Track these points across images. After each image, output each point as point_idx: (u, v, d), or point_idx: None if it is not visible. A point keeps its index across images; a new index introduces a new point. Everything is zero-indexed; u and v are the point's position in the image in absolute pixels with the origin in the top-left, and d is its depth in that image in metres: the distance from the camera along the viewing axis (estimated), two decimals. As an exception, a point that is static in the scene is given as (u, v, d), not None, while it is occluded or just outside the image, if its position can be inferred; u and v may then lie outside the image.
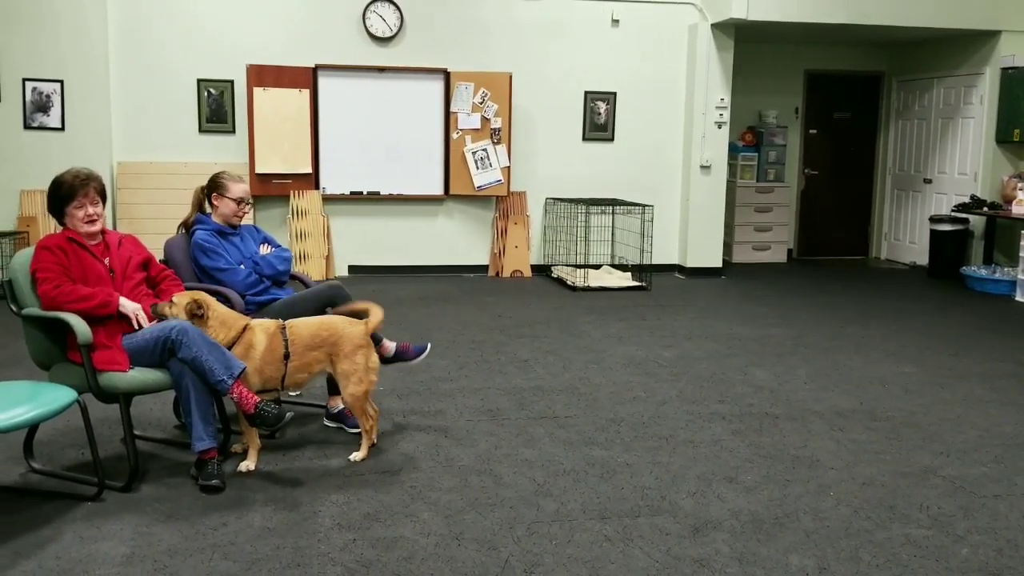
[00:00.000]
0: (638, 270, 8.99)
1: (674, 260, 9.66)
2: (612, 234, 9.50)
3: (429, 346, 4.48)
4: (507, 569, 2.94)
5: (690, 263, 9.48)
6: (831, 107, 11.10)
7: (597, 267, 9.20)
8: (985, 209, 9.06)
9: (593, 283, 8.62)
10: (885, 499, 3.55)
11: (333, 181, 8.88)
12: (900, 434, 4.36)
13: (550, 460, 3.96)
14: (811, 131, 11.08)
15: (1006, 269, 8.76)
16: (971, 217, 9.39)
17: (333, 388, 4.28)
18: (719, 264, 9.53)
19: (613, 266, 9.37)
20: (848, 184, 11.26)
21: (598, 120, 9.47)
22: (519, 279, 9.13)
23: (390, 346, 4.36)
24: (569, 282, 8.66)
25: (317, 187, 8.81)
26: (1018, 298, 8.33)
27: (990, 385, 5.34)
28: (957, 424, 4.58)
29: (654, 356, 5.91)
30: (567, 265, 9.20)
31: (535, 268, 9.35)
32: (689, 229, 9.47)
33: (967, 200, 9.34)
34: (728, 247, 10.39)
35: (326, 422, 4.40)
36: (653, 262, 9.24)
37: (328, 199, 8.87)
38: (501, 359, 5.76)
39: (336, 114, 8.81)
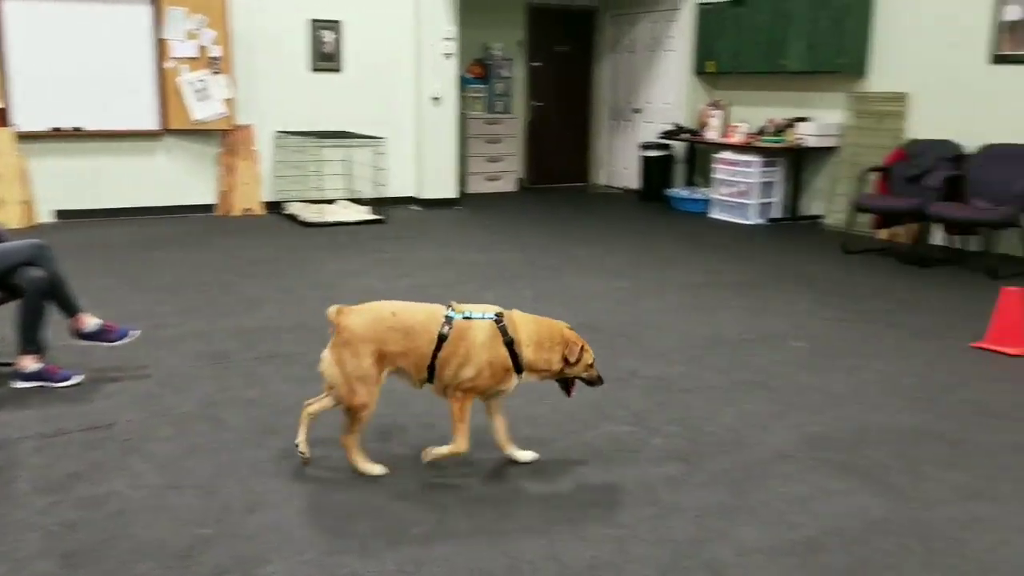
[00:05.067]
0: (375, 203, 8.96)
1: (410, 192, 9.72)
2: (347, 168, 9.36)
3: (138, 333, 4.21)
4: (227, 511, 2.90)
5: (426, 195, 9.59)
6: (552, 41, 11.55)
7: (332, 202, 9.05)
8: (685, 136, 9.92)
9: (329, 218, 8.48)
10: (596, 402, 3.87)
11: (29, 117, 7.98)
12: (613, 343, 4.75)
13: (277, 399, 3.91)
14: (535, 63, 11.48)
15: (703, 190, 9.69)
16: (674, 143, 10.24)
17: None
18: (455, 195, 9.72)
19: (351, 200, 9.27)
20: (571, 115, 11.85)
21: (325, 49, 9.21)
22: (251, 217, 8.79)
23: (88, 321, 4.05)
24: (303, 218, 8.46)
25: (6, 124, 7.87)
26: (712, 215, 9.27)
27: (690, 294, 5.94)
28: (660, 330, 5.06)
29: (390, 287, 5.96)
30: (301, 201, 8.97)
31: (268, 205, 9.03)
32: (423, 161, 9.54)
33: (671, 128, 10.16)
34: (463, 178, 10.62)
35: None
36: (390, 195, 9.24)
37: (25, 137, 7.97)
38: (230, 300, 5.55)
39: (28, 42, 7.87)
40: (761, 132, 9.14)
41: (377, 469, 3.16)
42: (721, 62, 9.60)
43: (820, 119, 8.70)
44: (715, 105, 9.76)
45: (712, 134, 9.62)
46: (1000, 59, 7.22)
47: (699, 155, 10.16)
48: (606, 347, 4.64)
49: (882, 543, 2.78)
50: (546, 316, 3.23)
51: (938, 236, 7.44)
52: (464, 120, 10.55)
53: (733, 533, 2.82)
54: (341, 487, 3.08)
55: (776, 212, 8.97)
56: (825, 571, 2.62)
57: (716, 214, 9.21)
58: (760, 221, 8.84)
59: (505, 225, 8.62)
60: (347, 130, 9.20)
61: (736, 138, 9.24)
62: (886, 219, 7.51)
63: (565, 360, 3.12)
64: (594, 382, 3.24)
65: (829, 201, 8.74)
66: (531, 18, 11.37)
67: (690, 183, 10.16)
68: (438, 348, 3.05)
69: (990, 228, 6.62)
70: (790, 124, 8.84)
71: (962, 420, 3.80)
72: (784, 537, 2.81)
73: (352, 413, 3.08)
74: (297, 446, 3.21)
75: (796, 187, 9.05)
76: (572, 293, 5.84)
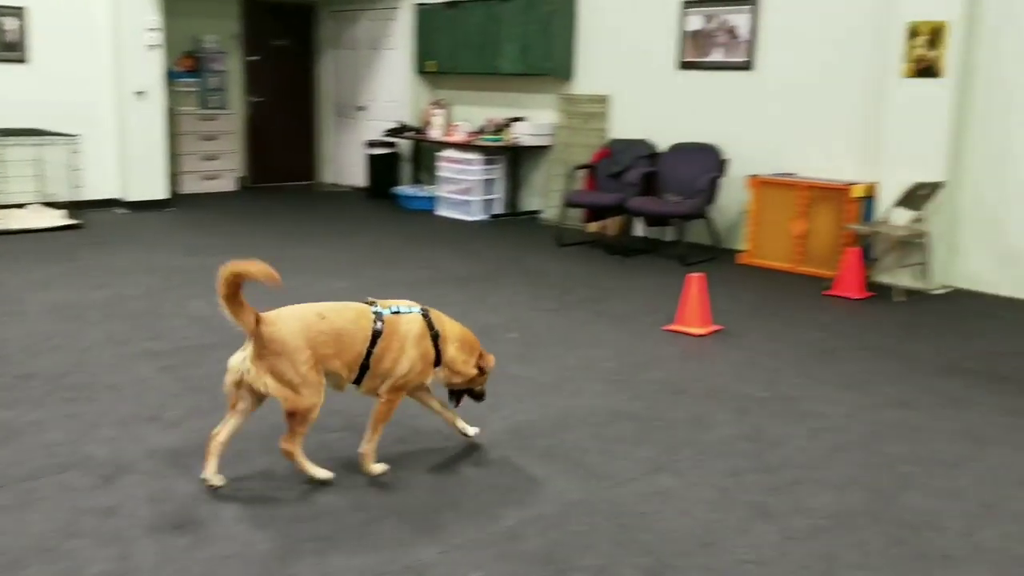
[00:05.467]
0: (72, 207, 8.15)
1: (115, 194, 8.96)
2: (38, 168, 8.43)
3: None
4: None
5: (132, 196, 8.88)
6: (270, 34, 11.15)
7: (22, 207, 8.12)
8: (410, 134, 9.99)
9: (14, 225, 7.60)
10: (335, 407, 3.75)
11: None
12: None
13: (-66, 434, 3.42)
14: (252, 58, 11.03)
15: (429, 187, 9.81)
16: (400, 141, 10.28)
17: None
18: (165, 196, 9.09)
19: (44, 204, 8.36)
20: (294, 112, 11.52)
21: (7, 38, 8.23)
22: (-84, 226, 7.67)
23: None
24: (-17, 226, 7.52)
25: None
26: (438, 212, 9.42)
27: (410, 291, 5.93)
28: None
29: (83, 299, 5.44)
30: (-19, 206, 7.97)
31: (-62, 212, 7.93)
32: (128, 160, 8.83)
33: (395, 126, 10.19)
34: (175, 178, 9.95)
35: None
36: (90, 197, 8.46)
37: None
38: None
39: None
40: (481, 131, 9.41)
41: (324, 473, 3.08)
42: (441, 62, 9.76)
43: (534, 119, 9.10)
44: (438, 104, 9.91)
45: (436, 133, 9.76)
46: (685, 65, 7.94)
47: (424, 153, 10.27)
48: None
49: (577, 524, 2.93)
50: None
51: (640, 228, 8.06)
52: (174, 116, 9.90)
53: (437, 532, 2.85)
54: (9, 536, 2.74)
55: (498, 208, 9.28)
56: (523, 558, 2.71)
57: (442, 211, 9.36)
58: (483, 217, 9.10)
59: (221, 226, 8.20)
60: (36, 127, 8.29)
61: (458, 137, 9.43)
62: (594, 213, 8.01)
63: (480, 369, 3.24)
64: (481, 396, 3.42)
65: (545, 197, 9.19)
66: (246, 10, 10.90)
67: (416, 181, 10.25)
68: (372, 344, 3.00)
69: (681, 220, 7.26)
70: (508, 124, 9.17)
71: (651, 398, 4.11)
72: (486, 529, 2.88)
73: (301, 416, 2.94)
74: (205, 480, 3.01)
75: (516, 184, 9.41)
76: (286, 296, 5.64)
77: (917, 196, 6.13)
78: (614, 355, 4.75)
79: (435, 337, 3.14)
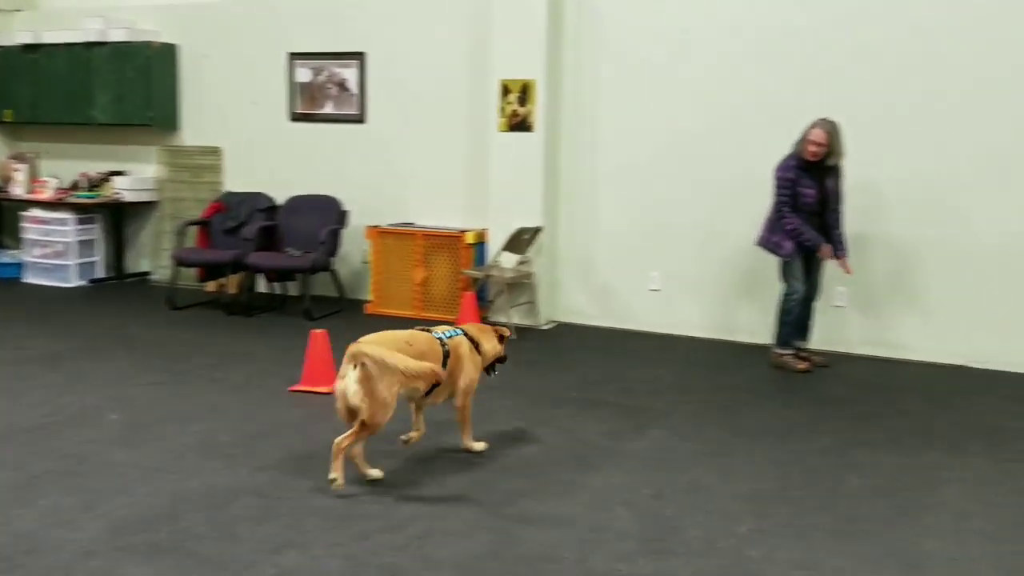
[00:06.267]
0: None
1: None
2: None
3: None
4: None
5: None
6: None
7: None
8: (-12, 192, 8.70)
9: None
10: None
11: None
12: None
13: None
14: None
15: (13, 252, 8.60)
16: (-25, 200, 8.90)
17: None
18: None
19: None
20: None
21: None
22: None
23: None
24: None
25: None
26: (27, 280, 8.27)
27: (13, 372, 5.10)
28: (-60, 429, 4.20)
29: None
30: None
31: None
32: None
33: (-35, 183, 8.80)
34: None
35: None
36: None
37: None
38: None
39: None
40: (75, 187, 8.46)
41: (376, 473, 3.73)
42: (20, 111, 8.63)
43: (137, 172, 8.39)
44: (19, 158, 8.74)
45: (18, 190, 8.59)
46: (298, 117, 7.84)
47: (6, 213, 8.98)
48: None
49: (188, 627, 2.61)
50: None
51: (262, 284, 7.75)
52: None
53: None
54: None
55: (99, 272, 8.37)
56: None
57: (31, 278, 8.23)
58: (82, 283, 8.15)
59: None
60: None
61: (46, 194, 8.38)
62: (209, 271, 7.55)
63: (501, 338, 4.21)
64: (505, 359, 4.26)
65: (155, 257, 8.49)
66: None
67: (0, 244, 8.93)
68: (444, 363, 3.81)
69: (304, 274, 7.09)
70: (105, 178, 8.35)
71: (276, 468, 3.87)
72: (76, 656, 2.45)
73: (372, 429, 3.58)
74: (334, 480, 3.55)
75: (120, 244, 8.57)
76: None
77: (521, 240, 6.59)
78: (234, 425, 4.42)
79: (476, 347, 4.03)
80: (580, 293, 7.02)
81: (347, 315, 7.03)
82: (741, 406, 4.98)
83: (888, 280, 6.08)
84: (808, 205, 5.51)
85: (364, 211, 7.41)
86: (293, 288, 7.63)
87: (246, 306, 7.13)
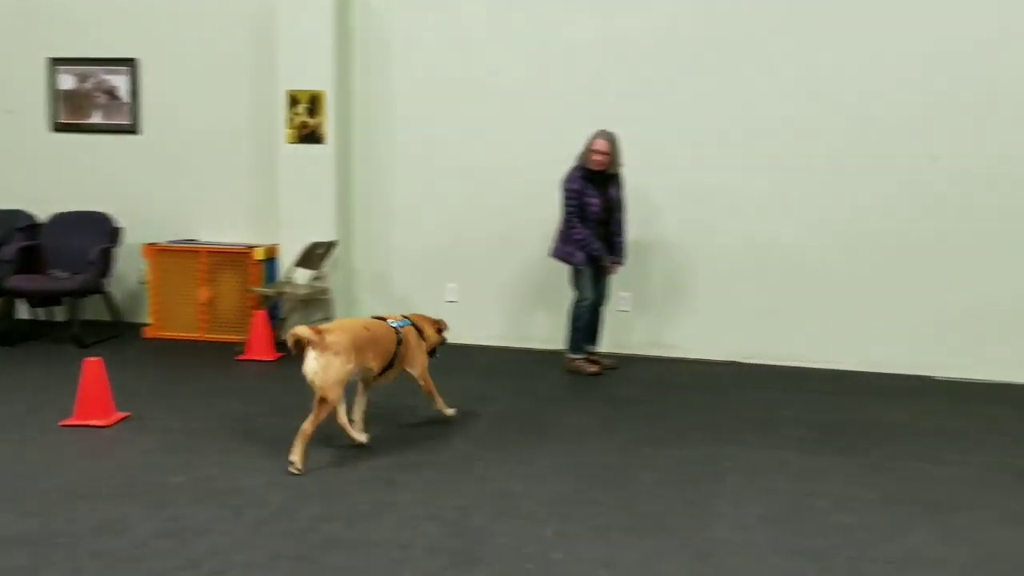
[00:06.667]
0: None
1: None
2: None
3: None
4: None
5: None
6: None
7: None
8: None
9: None
10: None
11: None
12: None
13: None
14: None
15: None
16: None
17: None
18: None
19: None
20: None
21: None
22: None
23: None
24: None
25: None
26: None
27: None
28: None
29: None
30: None
31: None
32: None
33: None
34: None
35: None
36: None
37: None
38: None
39: None
40: None
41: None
42: None
43: None
44: None
45: None
46: (61, 127, 7.21)
47: None
48: None
49: None
50: None
51: (24, 311, 7.03)
52: None
53: None
54: None
55: None
56: None
57: None
58: None
59: None
60: None
61: None
62: (-39, 298, 6.76)
63: (439, 330, 4.84)
64: (444, 342, 4.91)
65: None
66: None
67: None
68: (397, 348, 4.45)
69: (72, 297, 6.51)
70: None
71: (48, 512, 3.51)
72: None
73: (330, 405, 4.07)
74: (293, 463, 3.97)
75: None
76: None
77: (315, 255, 6.41)
78: (-4, 468, 3.98)
79: (421, 333, 4.66)
80: (377, 308, 6.93)
81: (124, 340, 6.55)
82: (540, 412, 5.10)
83: (665, 285, 6.48)
84: (595, 214, 5.76)
85: (140, 227, 6.92)
86: (60, 313, 6.99)
87: (6, 335, 6.44)
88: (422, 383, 4.68)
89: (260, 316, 6.21)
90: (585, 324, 5.94)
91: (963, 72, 5.88)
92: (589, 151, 5.69)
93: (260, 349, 6.15)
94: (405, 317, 4.64)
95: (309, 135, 6.56)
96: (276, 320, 6.49)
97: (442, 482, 3.96)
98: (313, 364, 3.99)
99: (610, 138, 5.69)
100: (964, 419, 5.10)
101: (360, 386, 4.43)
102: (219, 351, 6.33)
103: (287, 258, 6.58)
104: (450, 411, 4.81)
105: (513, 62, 6.51)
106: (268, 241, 6.80)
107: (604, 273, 5.97)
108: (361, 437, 4.30)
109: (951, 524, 3.61)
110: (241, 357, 6.15)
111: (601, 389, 5.64)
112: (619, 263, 5.96)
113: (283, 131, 6.59)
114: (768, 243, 6.27)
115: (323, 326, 4.15)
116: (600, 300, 6.04)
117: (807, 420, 5.01)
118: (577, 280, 5.88)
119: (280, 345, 6.33)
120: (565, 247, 5.84)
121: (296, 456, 3.98)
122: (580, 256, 5.78)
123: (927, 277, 6.06)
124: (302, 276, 6.49)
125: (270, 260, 6.73)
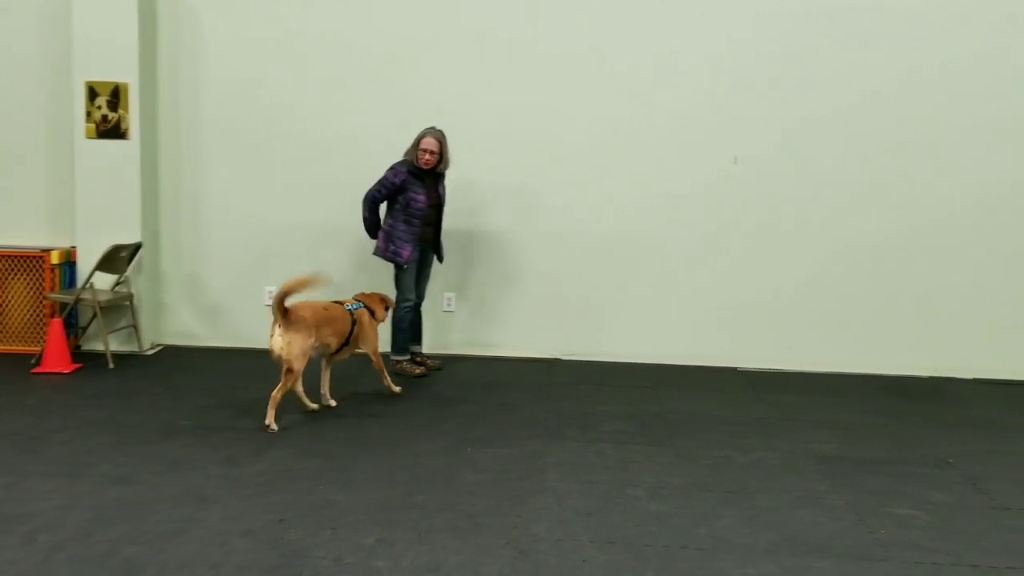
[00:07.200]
0: None
1: None
2: None
3: None
4: None
5: None
6: None
7: None
8: None
9: None
10: None
11: None
12: None
13: None
14: None
15: None
16: None
17: None
18: None
19: None
20: None
21: None
22: None
23: None
24: None
25: None
26: None
27: None
28: None
29: None
30: None
31: None
32: None
33: None
34: None
35: None
36: None
37: None
38: None
39: None
40: None
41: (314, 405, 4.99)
42: None
43: None
44: None
45: None
46: None
47: None
48: None
49: None
50: None
51: None
52: None
53: None
54: None
55: None
56: None
57: None
58: None
59: None
60: None
61: None
62: None
63: (386, 307, 5.42)
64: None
65: None
66: None
67: None
68: (352, 327, 5.04)
69: None
70: None
71: None
72: None
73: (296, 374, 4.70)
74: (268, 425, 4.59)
75: None
76: None
77: (118, 259, 5.99)
78: None
79: (372, 314, 5.20)
80: (188, 313, 6.58)
81: None
82: (366, 415, 5.00)
83: (487, 284, 6.52)
84: (420, 211, 5.68)
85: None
86: None
87: None
88: (374, 359, 5.23)
89: (56, 325, 5.73)
90: (409, 325, 5.88)
91: (752, 72, 6.28)
92: (419, 149, 5.61)
93: (57, 360, 5.68)
94: (358, 300, 5.18)
95: (111, 130, 6.13)
96: (74, 328, 6.01)
97: (257, 496, 3.79)
98: (279, 340, 4.59)
99: (439, 136, 5.64)
100: (767, 408, 5.44)
101: (323, 363, 5.06)
102: (11, 363, 5.80)
103: (86, 262, 6.10)
104: (397, 388, 5.37)
105: (326, 60, 6.34)
106: (65, 244, 6.29)
107: (425, 274, 5.93)
108: (315, 405, 4.99)
109: (756, 508, 3.83)
110: (38, 369, 5.66)
111: (426, 390, 5.59)
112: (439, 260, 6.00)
113: (82, 126, 6.12)
114: (585, 240, 6.43)
115: (289, 306, 4.61)
116: (421, 300, 5.99)
117: (622, 413, 5.18)
118: (400, 281, 5.80)
119: (81, 355, 5.89)
120: (390, 245, 5.73)
121: (270, 419, 4.60)
122: (406, 255, 5.69)
123: (728, 271, 6.41)
124: (105, 281, 6.05)
125: (68, 264, 6.23)
